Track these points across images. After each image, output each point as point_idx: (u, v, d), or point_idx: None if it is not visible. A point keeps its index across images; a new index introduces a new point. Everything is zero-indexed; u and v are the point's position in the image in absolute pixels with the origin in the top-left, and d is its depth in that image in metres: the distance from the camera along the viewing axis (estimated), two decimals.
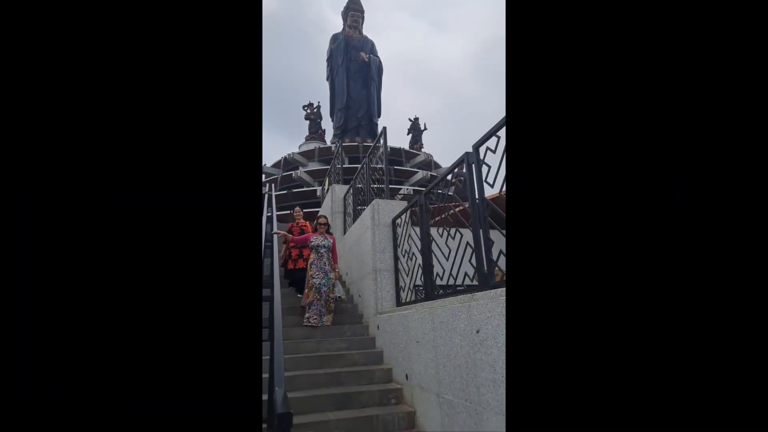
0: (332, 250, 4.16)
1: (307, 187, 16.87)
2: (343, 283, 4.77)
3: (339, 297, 4.12)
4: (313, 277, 4.03)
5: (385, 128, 4.33)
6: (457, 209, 3.11)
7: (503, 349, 1.87)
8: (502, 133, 2.19)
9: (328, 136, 21.18)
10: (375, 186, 4.76)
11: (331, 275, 4.06)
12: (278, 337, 1.71)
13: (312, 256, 4.14)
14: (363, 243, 4.28)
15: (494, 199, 2.49)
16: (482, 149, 2.40)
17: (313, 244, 4.12)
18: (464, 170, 2.58)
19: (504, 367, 1.86)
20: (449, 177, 3.20)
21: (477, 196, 2.45)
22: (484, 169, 2.40)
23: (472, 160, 2.50)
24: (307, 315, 3.91)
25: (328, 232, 4.27)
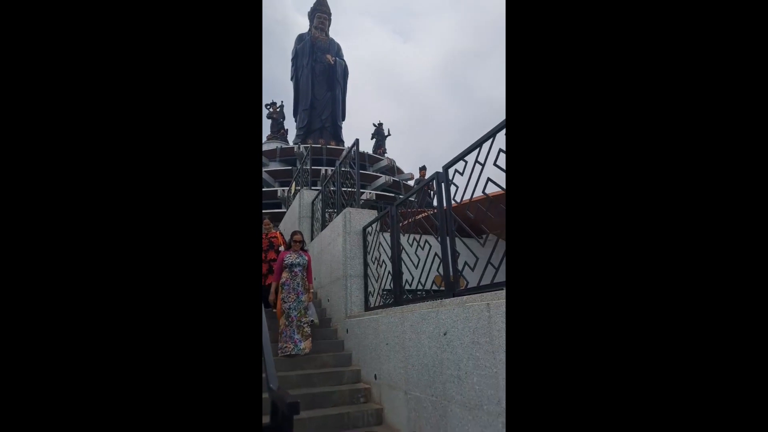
0: (307, 268, 3.93)
1: (268, 187, 16.58)
2: (317, 303, 4.62)
3: (312, 321, 3.86)
4: (284, 301, 3.75)
5: (357, 140, 4.52)
6: (422, 215, 3.37)
7: (467, 349, 2.14)
8: (470, 157, 2.47)
9: (291, 136, 20.93)
10: (346, 190, 4.92)
11: (303, 297, 3.79)
12: (266, 339, 1.86)
13: (284, 275, 3.84)
14: (333, 249, 4.43)
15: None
16: (451, 171, 2.69)
17: (286, 262, 3.86)
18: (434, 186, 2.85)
19: (467, 364, 2.13)
20: (412, 183, 3.46)
21: (445, 209, 2.72)
22: (452, 188, 2.68)
23: (441, 179, 2.77)
24: (280, 345, 3.63)
25: (303, 249, 4.05)
